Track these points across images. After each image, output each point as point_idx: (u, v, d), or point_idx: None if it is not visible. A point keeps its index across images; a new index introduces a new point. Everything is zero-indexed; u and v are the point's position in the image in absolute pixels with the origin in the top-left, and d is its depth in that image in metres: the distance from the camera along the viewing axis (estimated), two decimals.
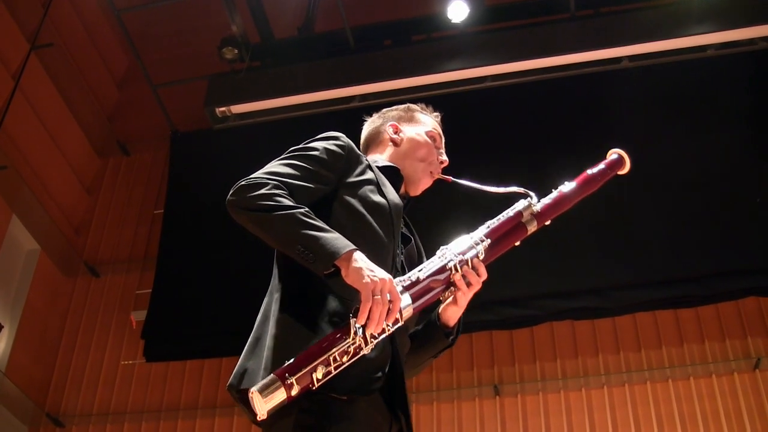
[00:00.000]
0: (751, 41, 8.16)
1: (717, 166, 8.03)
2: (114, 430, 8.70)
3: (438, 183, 3.21)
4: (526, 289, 7.83)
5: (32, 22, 9.38)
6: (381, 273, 2.43)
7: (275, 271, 2.79)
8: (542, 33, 8.43)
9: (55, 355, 9.23)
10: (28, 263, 9.42)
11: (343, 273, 2.43)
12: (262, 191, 2.55)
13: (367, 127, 3.37)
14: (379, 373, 2.54)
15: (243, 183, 2.62)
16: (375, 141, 3.29)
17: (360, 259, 2.44)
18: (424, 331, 2.94)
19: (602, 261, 7.79)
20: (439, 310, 2.88)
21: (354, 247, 2.45)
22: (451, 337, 2.90)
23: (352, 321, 2.38)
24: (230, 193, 2.62)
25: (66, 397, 8.92)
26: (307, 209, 2.53)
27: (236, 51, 8.83)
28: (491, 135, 8.65)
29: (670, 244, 7.69)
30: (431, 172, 3.15)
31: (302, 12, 9.43)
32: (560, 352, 8.08)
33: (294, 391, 2.29)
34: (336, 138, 2.94)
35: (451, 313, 2.84)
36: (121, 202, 10.28)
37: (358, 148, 3.01)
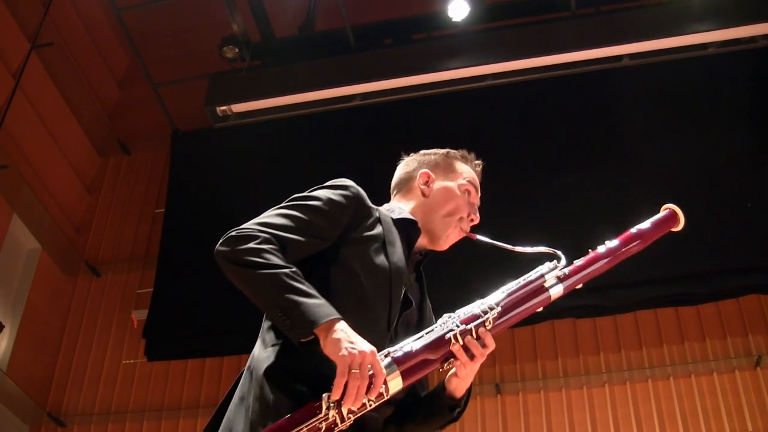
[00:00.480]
0: (752, 39, 8.15)
1: (718, 163, 8.03)
2: (115, 429, 8.71)
3: (464, 239, 2.98)
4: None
5: (33, 21, 9.39)
6: (362, 345, 2.29)
7: (264, 326, 2.68)
8: (543, 31, 8.42)
9: (56, 355, 9.24)
10: (29, 262, 9.43)
11: (321, 343, 2.30)
12: (250, 245, 2.43)
13: (401, 168, 3.15)
14: None
15: (233, 233, 2.51)
16: (404, 186, 3.07)
17: (340, 330, 2.30)
18: (429, 401, 2.74)
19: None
20: (445, 380, 2.68)
21: (337, 316, 2.32)
22: (457, 410, 2.69)
23: (324, 396, 2.27)
24: (219, 242, 2.52)
25: (67, 396, 8.93)
26: (294, 270, 2.40)
27: (237, 50, 8.83)
28: (491, 133, 8.65)
29: (670, 241, 7.65)
30: (460, 229, 2.93)
31: (303, 11, 9.43)
32: (561, 351, 8.09)
33: None
34: (344, 188, 2.76)
35: (456, 384, 2.64)
36: (121, 201, 10.28)
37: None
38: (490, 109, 8.82)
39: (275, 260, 2.40)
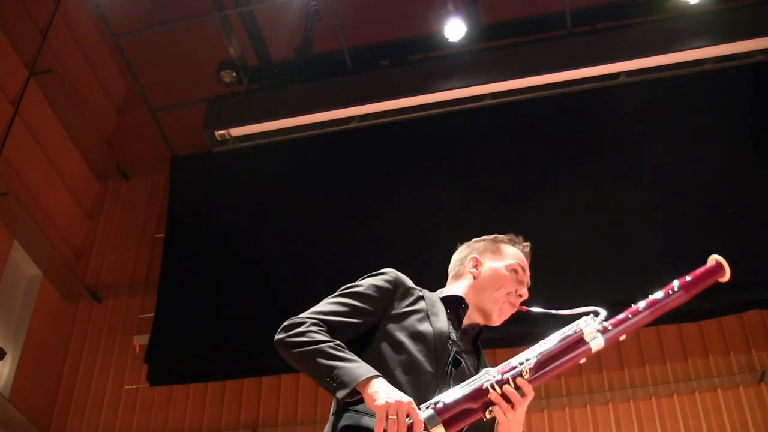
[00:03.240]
0: (747, 54, 8.18)
1: (717, 178, 8.04)
2: None
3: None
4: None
5: (30, 48, 9.40)
6: (399, 396, 2.48)
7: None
8: (539, 50, 8.46)
9: (58, 381, 9.22)
10: (30, 289, 9.42)
11: (363, 398, 2.52)
12: (300, 329, 2.72)
13: (454, 257, 3.37)
14: None
15: (287, 323, 2.78)
16: (456, 272, 3.29)
17: (379, 383, 2.52)
18: None
19: (604, 277, 7.78)
20: (495, 430, 2.80)
21: (376, 373, 2.56)
22: None
23: None
24: (278, 331, 2.77)
25: (70, 422, 8.91)
26: (337, 342, 2.67)
27: (234, 74, 8.86)
28: (491, 152, 8.66)
29: (671, 257, 7.68)
30: (510, 304, 3.12)
31: (299, 34, 9.45)
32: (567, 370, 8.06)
33: None
34: (384, 273, 3.03)
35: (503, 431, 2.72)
36: (121, 226, 10.29)
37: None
38: (487, 128, 8.83)
39: (320, 337, 2.69)
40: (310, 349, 2.64)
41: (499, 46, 8.84)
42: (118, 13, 8.84)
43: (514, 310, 3.15)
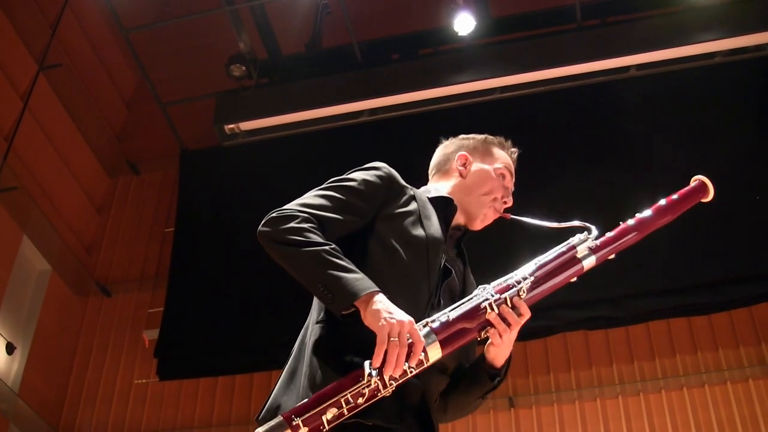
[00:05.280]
0: (758, 47, 8.15)
1: (728, 172, 8.00)
2: None
3: (498, 219, 3.11)
4: (539, 301, 7.80)
5: (40, 43, 9.42)
6: (400, 315, 2.38)
7: (314, 304, 2.77)
8: (549, 44, 8.44)
9: (68, 375, 9.24)
10: (40, 284, 9.43)
11: (362, 315, 2.41)
12: (292, 224, 2.55)
13: (439, 150, 3.29)
14: (403, 413, 2.49)
15: (274, 214, 2.61)
16: (442, 168, 3.21)
17: (380, 302, 2.41)
18: (471, 371, 2.83)
19: (614, 270, 7.75)
20: (485, 350, 2.76)
21: (376, 289, 2.43)
22: (497, 379, 2.77)
23: (366, 363, 2.35)
24: (261, 223, 2.62)
25: (80, 417, 8.92)
26: (334, 247, 2.52)
27: (244, 68, 8.85)
28: None
29: (682, 251, 7.66)
30: (495, 209, 3.06)
31: (309, 28, 9.45)
32: (574, 363, 8.06)
33: None
34: (377, 168, 2.91)
35: (495, 353, 2.72)
36: (131, 221, 10.30)
37: (404, 179, 2.95)
38: (498, 122, 8.81)
39: (315, 238, 2.52)
40: (305, 251, 2.48)
41: (509, 39, 8.82)
42: (128, 8, 8.84)
43: (497, 216, 3.08)
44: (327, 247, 2.49)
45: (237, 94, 9.02)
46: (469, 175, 3.10)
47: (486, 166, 3.12)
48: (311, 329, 2.66)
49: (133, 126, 11.22)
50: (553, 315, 7.85)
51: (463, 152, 3.16)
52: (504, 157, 3.20)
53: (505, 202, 3.09)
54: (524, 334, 7.97)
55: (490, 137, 3.27)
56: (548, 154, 8.46)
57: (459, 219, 3.04)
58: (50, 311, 9.29)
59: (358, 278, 2.44)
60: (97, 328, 9.55)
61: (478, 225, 3.07)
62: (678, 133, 8.34)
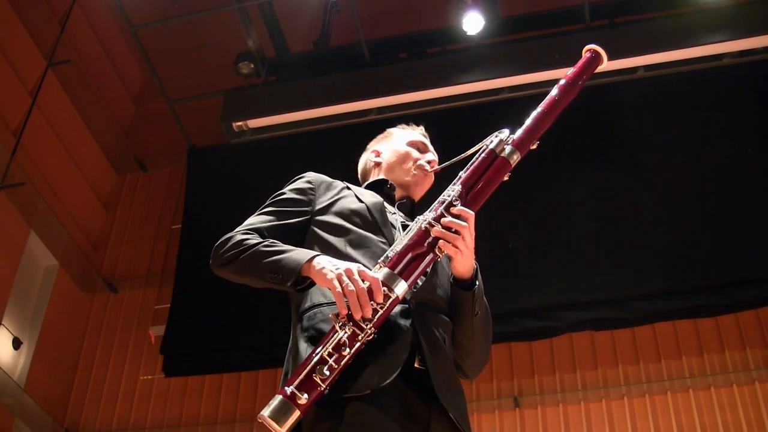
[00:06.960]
0: (767, 49, 8.14)
1: (735, 173, 8.01)
2: None
3: (438, 181, 3.19)
4: (544, 301, 7.81)
5: (49, 39, 9.43)
6: (345, 264, 2.46)
7: (291, 306, 2.83)
8: (557, 44, 8.43)
9: (74, 371, 9.25)
10: (47, 279, 9.44)
11: (314, 280, 2.50)
12: (229, 244, 2.71)
13: (359, 164, 3.48)
14: (398, 361, 2.45)
15: (216, 245, 2.78)
16: (367, 172, 3.39)
17: (322, 261, 2.49)
18: (452, 301, 2.81)
19: (620, 271, 7.76)
20: (452, 268, 2.76)
21: (315, 253, 2.55)
22: (474, 287, 2.74)
23: (331, 315, 2.39)
24: (210, 257, 2.77)
25: (85, 412, 8.93)
26: (270, 240, 2.67)
27: (252, 66, 8.87)
28: None
29: (688, 253, 7.66)
30: (422, 170, 3.22)
31: (317, 26, 9.47)
32: (580, 364, 8.05)
33: (303, 400, 2.27)
34: (302, 177, 3.09)
35: (459, 265, 2.70)
36: (138, 217, 10.31)
37: (340, 179, 3.11)
38: (505, 121, 8.81)
39: (252, 241, 2.68)
40: (245, 256, 2.63)
41: (517, 39, 8.83)
42: (136, 4, 8.87)
43: (428, 174, 3.23)
44: (263, 242, 2.66)
45: (245, 92, 9.03)
46: (385, 159, 3.32)
47: (396, 146, 3.34)
48: (293, 326, 2.73)
49: (140, 122, 11.24)
50: (559, 316, 7.86)
51: (373, 149, 3.42)
52: (408, 133, 3.42)
53: (429, 162, 3.26)
54: (530, 335, 8.02)
55: (391, 128, 3.51)
56: (554, 154, 8.46)
57: (399, 193, 3.21)
58: (57, 307, 9.30)
59: (296, 251, 2.57)
60: (104, 324, 9.55)
61: (417, 191, 3.25)
62: (685, 135, 8.32)
